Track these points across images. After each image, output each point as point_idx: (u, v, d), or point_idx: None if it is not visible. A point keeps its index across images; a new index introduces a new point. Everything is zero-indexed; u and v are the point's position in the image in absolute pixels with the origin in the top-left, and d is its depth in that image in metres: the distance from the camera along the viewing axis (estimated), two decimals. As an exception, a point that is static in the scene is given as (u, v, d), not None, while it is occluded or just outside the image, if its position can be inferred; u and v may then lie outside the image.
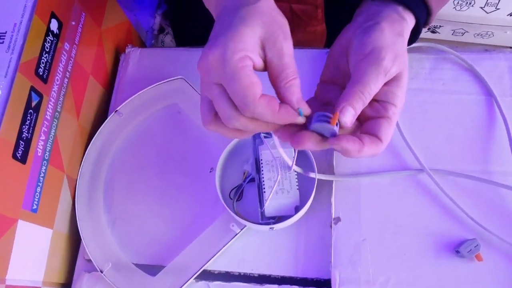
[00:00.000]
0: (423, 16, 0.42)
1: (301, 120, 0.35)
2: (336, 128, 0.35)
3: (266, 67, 0.36)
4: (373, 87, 0.36)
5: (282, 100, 0.35)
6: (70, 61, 0.52)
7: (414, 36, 0.43)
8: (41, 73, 0.46)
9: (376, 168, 0.51)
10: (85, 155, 0.55)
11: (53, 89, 0.48)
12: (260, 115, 0.33)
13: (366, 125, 0.38)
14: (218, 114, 0.35)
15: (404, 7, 0.40)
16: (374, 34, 0.38)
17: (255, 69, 0.35)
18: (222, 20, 0.36)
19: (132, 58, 0.61)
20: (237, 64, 0.33)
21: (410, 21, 0.41)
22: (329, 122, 0.35)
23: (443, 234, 0.47)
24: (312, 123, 0.36)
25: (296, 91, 0.35)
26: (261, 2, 0.35)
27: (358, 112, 0.36)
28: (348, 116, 0.36)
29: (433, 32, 0.81)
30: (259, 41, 0.34)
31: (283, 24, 0.36)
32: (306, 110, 0.36)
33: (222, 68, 0.33)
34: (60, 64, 0.50)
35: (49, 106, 0.48)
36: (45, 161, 0.47)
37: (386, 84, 0.38)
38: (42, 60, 0.46)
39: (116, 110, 0.56)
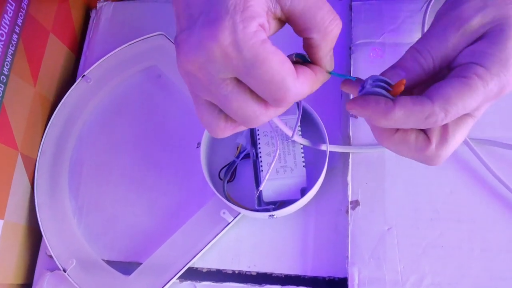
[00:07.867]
0: None
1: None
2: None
3: (281, 25, 0.27)
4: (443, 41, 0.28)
5: (316, 56, 0.28)
6: (21, 14, 0.42)
7: None
8: (-25, 25, 0.37)
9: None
10: (47, 129, 0.47)
11: (-5, 46, 0.39)
12: (301, 95, 0.26)
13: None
14: (231, 117, 0.28)
15: None
16: None
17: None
18: None
19: (104, 14, 0.52)
20: (255, 42, 0.24)
21: None
22: (387, 91, 0.27)
23: (490, 219, 0.38)
24: (364, 87, 0.28)
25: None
26: None
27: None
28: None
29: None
30: None
31: None
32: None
33: (236, 56, 0.24)
34: (6, 16, 0.40)
35: (-10, 67, 0.39)
36: (-13, 136, 0.39)
37: (472, 44, 0.29)
38: (-23, 8, 0.37)
39: (84, 75, 0.47)
